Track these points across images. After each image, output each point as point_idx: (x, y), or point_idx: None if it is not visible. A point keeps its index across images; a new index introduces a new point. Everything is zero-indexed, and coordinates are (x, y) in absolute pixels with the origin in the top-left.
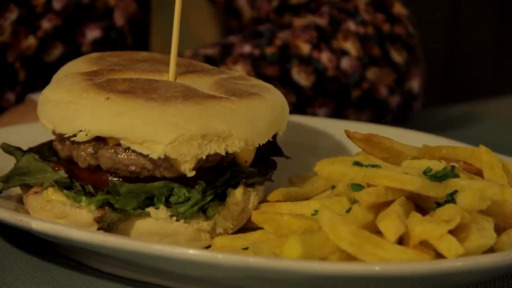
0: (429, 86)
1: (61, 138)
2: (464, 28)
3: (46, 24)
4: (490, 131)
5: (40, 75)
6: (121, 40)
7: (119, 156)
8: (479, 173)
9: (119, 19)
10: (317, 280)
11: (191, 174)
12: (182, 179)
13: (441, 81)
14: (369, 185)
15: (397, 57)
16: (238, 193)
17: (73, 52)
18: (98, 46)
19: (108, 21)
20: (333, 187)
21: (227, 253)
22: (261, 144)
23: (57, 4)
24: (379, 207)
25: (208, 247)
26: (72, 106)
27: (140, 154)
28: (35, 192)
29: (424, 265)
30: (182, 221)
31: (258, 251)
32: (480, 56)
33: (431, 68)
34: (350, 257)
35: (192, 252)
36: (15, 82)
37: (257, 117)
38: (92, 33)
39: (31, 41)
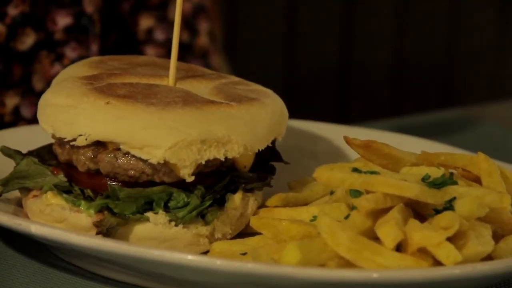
0: (429, 89)
1: (60, 142)
2: (463, 32)
3: (12, 11)
4: (490, 134)
5: (16, 64)
6: (92, 26)
7: (119, 160)
8: (477, 180)
9: (88, 6)
10: (315, 286)
11: (190, 179)
12: (181, 184)
13: (441, 85)
14: (367, 192)
15: None
16: (237, 198)
17: (47, 40)
18: (71, 33)
19: (78, 8)
20: (331, 192)
21: (225, 259)
22: (260, 150)
23: None
24: (377, 214)
25: (206, 252)
26: (72, 110)
27: (140, 158)
28: (34, 196)
29: (422, 272)
30: (181, 226)
31: (257, 256)
32: (479, 59)
33: (431, 72)
34: (348, 264)
35: (191, 258)
36: None
37: (257, 122)
38: (64, 20)
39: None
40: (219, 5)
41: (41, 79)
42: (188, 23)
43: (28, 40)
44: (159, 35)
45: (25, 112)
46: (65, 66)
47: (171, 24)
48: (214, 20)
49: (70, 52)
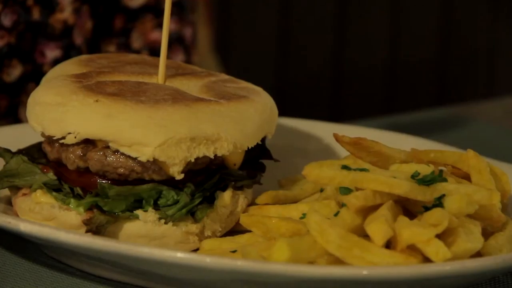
0: (420, 88)
1: (50, 140)
2: (455, 31)
3: None
4: (481, 133)
5: (2, 96)
6: None
7: (108, 158)
8: (467, 177)
9: (77, 38)
10: (304, 283)
11: (179, 177)
12: (170, 182)
13: (432, 84)
14: (357, 189)
15: None
16: (226, 196)
17: (34, 72)
18: None
19: (67, 40)
20: (321, 190)
21: (215, 256)
22: (250, 147)
23: (6, 21)
24: (367, 211)
25: (196, 250)
26: (61, 108)
27: (129, 156)
28: (24, 194)
29: (411, 269)
30: (170, 223)
31: (246, 254)
32: (471, 58)
33: (423, 71)
34: (338, 261)
35: (180, 255)
36: None
37: (246, 120)
38: (53, 53)
39: None
40: (212, 4)
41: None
42: (157, 55)
43: (14, 72)
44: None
45: None
46: None
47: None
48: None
49: None
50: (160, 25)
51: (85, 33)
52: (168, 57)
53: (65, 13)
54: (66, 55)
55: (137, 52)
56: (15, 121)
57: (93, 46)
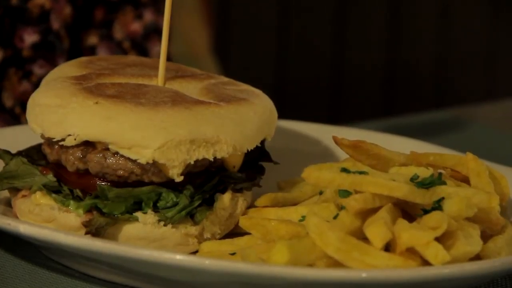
0: (420, 90)
1: (50, 142)
2: (454, 33)
3: None
4: (480, 136)
5: None
6: (59, 43)
7: (108, 160)
8: (466, 180)
9: (55, 23)
10: (303, 286)
11: (179, 179)
12: (170, 184)
13: (431, 87)
14: (356, 192)
15: None
16: (226, 198)
17: (15, 57)
18: (38, 49)
19: (44, 25)
20: (321, 192)
21: (214, 259)
22: (249, 150)
23: None
24: (366, 214)
25: (195, 252)
26: (61, 110)
27: (129, 158)
28: (24, 196)
29: (410, 272)
30: (170, 225)
31: (246, 256)
32: (470, 61)
33: (422, 73)
34: (337, 263)
35: (179, 257)
36: None
37: (246, 122)
38: (31, 37)
39: None
40: (212, 5)
41: (10, 97)
42: (137, 45)
43: None
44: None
45: None
46: (33, 83)
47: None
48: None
49: (37, 69)
50: (139, 16)
51: (63, 18)
52: (146, 47)
53: None
54: (44, 40)
55: (119, 43)
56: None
57: (74, 34)
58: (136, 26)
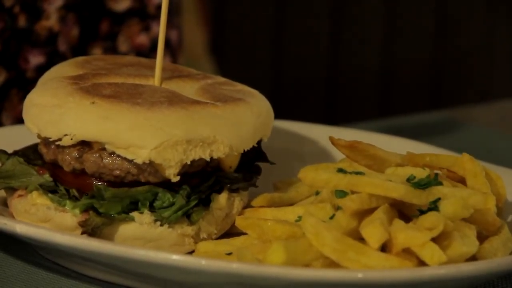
0: (416, 91)
1: (46, 141)
2: (451, 34)
3: None
4: (476, 136)
5: None
6: None
7: (104, 160)
8: (462, 181)
9: (62, 45)
10: (299, 286)
11: (175, 179)
12: (166, 184)
13: (428, 87)
14: (352, 192)
15: None
16: (222, 199)
17: (17, 78)
18: (43, 71)
19: (51, 47)
20: (317, 193)
21: (210, 259)
22: (245, 150)
23: None
24: (362, 214)
25: (192, 252)
26: (58, 110)
27: (125, 158)
28: (20, 195)
29: (406, 272)
30: (166, 226)
31: (242, 256)
32: (466, 62)
33: (418, 74)
34: (333, 264)
35: (176, 257)
36: None
37: (242, 122)
38: (36, 59)
39: None
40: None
41: (10, 117)
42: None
43: None
44: None
45: None
46: None
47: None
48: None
49: None
50: (145, 29)
51: (70, 41)
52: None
53: (51, 20)
54: (49, 62)
55: (124, 55)
56: None
57: (79, 52)
58: (142, 39)
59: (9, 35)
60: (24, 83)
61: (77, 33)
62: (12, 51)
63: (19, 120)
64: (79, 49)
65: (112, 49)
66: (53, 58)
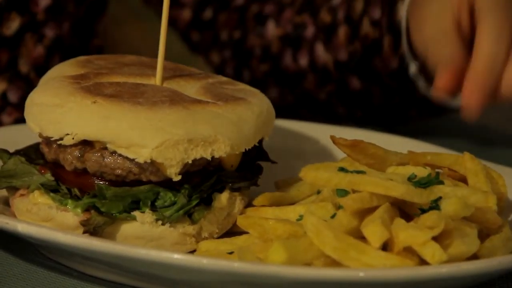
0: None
1: (47, 141)
2: None
3: None
4: (476, 135)
5: (2, 50)
6: (71, 5)
7: (106, 159)
8: (463, 180)
9: None
10: (301, 285)
11: (177, 178)
12: (168, 183)
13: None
14: (354, 191)
15: None
16: (223, 198)
17: (30, 23)
18: (51, 12)
19: None
20: (318, 192)
21: (212, 258)
22: (247, 149)
23: None
24: (363, 213)
25: (193, 251)
26: (59, 109)
27: (126, 158)
28: (22, 195)
29: (407, 271)
30: (167, 225)
31: (243, 255)
32: None
33: None
34: (334, 263)
35: (177, 257)
36: None
37: (243, 122)
38: (44, 1)
39: None
40: None
41: (26, 62)
42: None
43: (13, 25)
44: None
45: (12, 97)
46: (45, 47)
47: None
48: None
49: (49, 31)
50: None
51: None
52: None
53: None
54: (55, 3)
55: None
56: (15, 74)
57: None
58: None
59: None
60: (36, 26)
61: None
62: None
63: (34, 65)
64: None
65: None
66: None
